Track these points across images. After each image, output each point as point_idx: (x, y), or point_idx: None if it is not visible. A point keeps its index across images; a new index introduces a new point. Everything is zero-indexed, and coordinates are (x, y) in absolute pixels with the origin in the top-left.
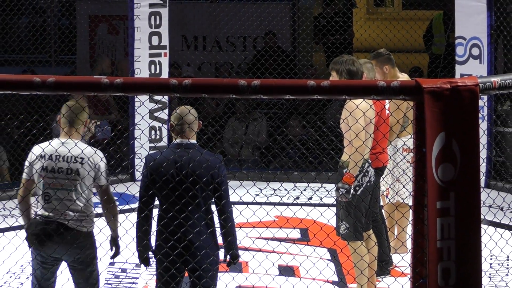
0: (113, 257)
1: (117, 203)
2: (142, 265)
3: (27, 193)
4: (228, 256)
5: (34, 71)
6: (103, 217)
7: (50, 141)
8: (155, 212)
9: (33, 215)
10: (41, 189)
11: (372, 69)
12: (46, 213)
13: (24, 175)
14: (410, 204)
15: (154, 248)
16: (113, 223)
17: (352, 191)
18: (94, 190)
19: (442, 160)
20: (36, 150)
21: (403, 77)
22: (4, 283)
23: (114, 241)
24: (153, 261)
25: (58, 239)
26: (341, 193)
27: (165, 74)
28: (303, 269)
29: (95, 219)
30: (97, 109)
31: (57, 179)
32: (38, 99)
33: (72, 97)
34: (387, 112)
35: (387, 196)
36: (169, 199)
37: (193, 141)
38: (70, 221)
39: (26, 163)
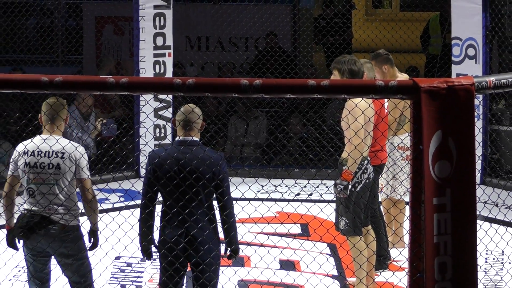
0: (91, 248)
1: (102, 197)
2: (147, 260)
3: (10, 189)
4: (229, 250)
5: (23, 70)
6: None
7: (32, 138)
8: (158, 208)
9: (21, 210)
10: (25, 185)
11: (372, 68)
12: (31, 207)
13: (9, 172)
14: (407, 200)
15: (157, 243)
16: (92, 217)
17: (351, 187)
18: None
19: (439, 157)
20: (19, 147)
21: (403, 76)
22: (13, 276)
23: (93, 233)
24: (156, 255)
25: (42, 232)
26: (339, 189)
27: (169, 74)
28: (303, 263)
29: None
30: (103, 108)
31: (39, 174)
32: (46, 98)
33: (53, 95)
34: (386, 110)
35: (381, 192)
36: (172, 195)
37: (196, 138)
38: (53, 215)
39: (11, 160)
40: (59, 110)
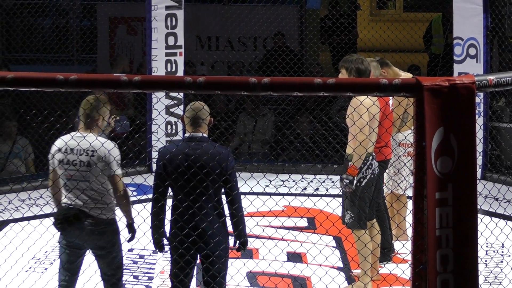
0: (129, 240)
1: (129, 192)
2: (159, 252)
3: (52, 183)
4: (238, 243)
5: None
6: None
7: (66, 135)
8: (169, 202)
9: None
10: (63, 180)
11: (377, 67)
12: (69, 202)
13: (50, 167)
14: (410, 194)
15: (168, 235)
16: (126, 211)
17: (357, 182)
18: None
19: (441, 153)
20: (57, 143)
21: (406, 75)
22: (30, 268)
23: (130, 226)
24: (168, 248)
25: (79, 226)
26: (345, 183)
27: (180, 72)
28: (310, 255)
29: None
30: (117, 105)
31: (73, 171)
32: (61, 96)
33: (93, 93)
34: (390, 108)
35: (385, 187)
36: (183, 189)
37: (205, 135)
38: (91, 210)
39: (49, 157)
40: (96, 108)
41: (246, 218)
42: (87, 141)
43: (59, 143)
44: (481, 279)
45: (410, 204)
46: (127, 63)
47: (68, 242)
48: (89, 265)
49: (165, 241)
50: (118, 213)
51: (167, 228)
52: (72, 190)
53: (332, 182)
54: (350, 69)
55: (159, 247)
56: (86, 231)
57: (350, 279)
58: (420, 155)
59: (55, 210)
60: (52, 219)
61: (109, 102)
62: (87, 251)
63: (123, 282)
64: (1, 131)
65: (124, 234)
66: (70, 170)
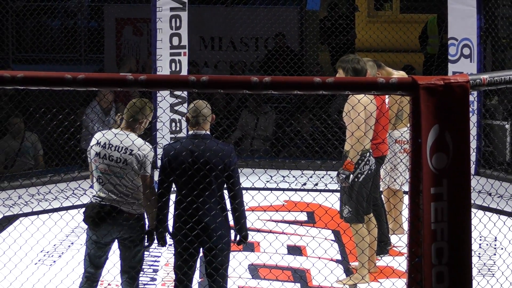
0: (146, 247)
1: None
2: (161, 246)
3: (91, 175)
4: (238, 236)
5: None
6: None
7: (107, 131)
8: (172, 197)
9: (92, 198)
10: (96, 173)
11: (374, 66)
12: (102, 194)
13: (88, 159)
14: (406, 190)
15: (172, 229)
16: (150, 215)
17: (355, 178)
18: None
19: (436, 150)
20: (96, 136)
21: (399, 74)
22: (39, 260)
23: (150, 233)
24: (171, 242)
25: (111, 221)
26: (341, 178)
27: (184, 72)
28: (309, 248)
29: None
30: (124, 103)
31: (109, 166)
32: (70, 94)
33: (137, 95)
34: (387, 106)
35: (381, 181)
36: (187, 185)
37: (208, 132)
38: (122, 205)
39: (88, 148)
40: (140, 110)
41: (247, 213)
42: (129, 139)
43: (98, 135)
44: (474, 271)
45: (406, 198)
46: (134, 63)
47: (98, 239)
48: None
49: (167, 236)
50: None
51: (170, 222)
52: (105, 184)
53: (331, 177)
54: (347, 68)
55: (162, 241)
56: (117, 226)
57: (348, 271)
58: (416, 151)
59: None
60: (65, 217)
61: (114, 100)
62: (113, 244)
63: (139, 279)
64: (10, 128)
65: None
66: (105, 164)
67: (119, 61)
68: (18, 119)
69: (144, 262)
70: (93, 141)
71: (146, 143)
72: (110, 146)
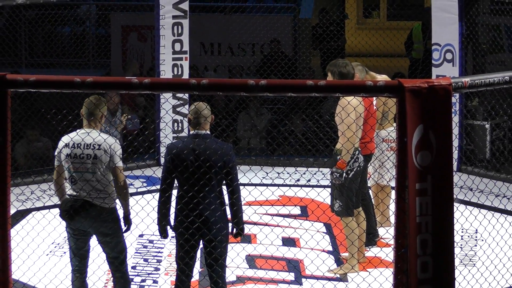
0: (125, 231)
1: (128, 183)
2: (163, 238)
3: (58, 176)
4: (235, 229)
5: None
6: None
7: (72, 132)
8: (174, 192)
9: (66, 195)
10: (68, 173)
11: (363, 70)
12: (74, 193)
13: (55, 163)
14: (393, 185)
15: (174, 223)
16: (123, 200)
17: (344, 174)
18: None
19: (421, 148)
20: (60, 142)
21: (381, 77)
22: (50, 252)
23: (126, 218)
24: (173, 234)
25: (84, 214)
26: (335, 176)
27: (185, 75)
28: (303, 240)
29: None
30: (129, 105)
31: (80, 164)
32: (79, 96)
33: (90, 94)
34: (375, 107)
35: (369, 178)
36: (188, 181)
37: (208, 132)
38: (94, 199)
39: (56, 152)
40: (97, 107)
41: (245, 207)
42: (91, 137)
43: (65, 139)
44: (457, 261)
45: (393, 194)
46: (137, 67)
47: (74, 230)
48: (92, 248)
49: (169, 228)
50: (118, 203)
51: (171, 216)
52: (78, 182)
53: (323, 174)
54: (334, 72)
55: (165, 233)
56: (90, 219)
57: (339, 261)
58: (402, 149)
59: (60, 202)
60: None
61: (120, 103)
62: (92, 236)
63: (127, 263)
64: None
65: (135, 222)
66: (76, 163)
67: (124, 65)
68: (36, 132)
69: (136, 255)
70: (61, 144)
71: (110, 136)
72: (79, 145)
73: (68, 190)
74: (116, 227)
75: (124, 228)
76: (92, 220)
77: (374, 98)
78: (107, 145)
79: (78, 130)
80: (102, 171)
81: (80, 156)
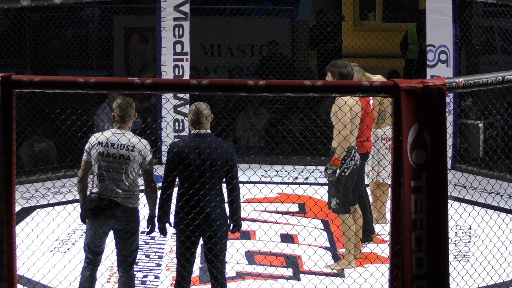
0: (148, 233)
1: (158, 185)
2: (162, 236)
3: (84, 174)
4: (233, 225)
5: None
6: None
7: (105, 131)
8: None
9: (88, 193)
10: (98, 171)
11: (360, 71)
12: (100, 191)
13: (84, 158)
14: (389, 183)
15: (176, 219)
16: (151, 203)
17: (341, 172)
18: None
19: (416, 146)
20: (93, 138)
21: (376, 78)
22: (54, 248)
23: (151, 220)
24: (175, 230)
25: (109, 213)
26: (328, 172)
27: (186, 76)
28: (301, 236)
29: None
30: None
31: (110, 163)
32: (82, 97)
33: (120, 95)
34: (371, 107)
35: (367, 176)
36: (190, 179)
37: (209, 131)
38: (119, 198)
39: (87, 147)
40: (131, 108)
41: (244, 204)
42: (126, 137)
43: (100, 137)
44: (451, 257)
45: (389, 191)
46: (155, 71)
47: (96, 230)
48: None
49: (168, 226)
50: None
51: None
52: (106, 180)
53: (320, 172)
54: (334, 72)
55: (163, 231)
56: (113, 217)
57: (336, 257)
58: (397, 148)
59: (83, 201)
60: (78, 208)
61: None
62: (108, 234)
63: (134, 267)
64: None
65: (143, 224)
66: (110, 162)
67: (142, 68)
68: (37, 144)
69: (139, 251)
70: (93, 140)
71: (143, 139)
72: (113, 145)
73: (93, 188)
74: (136, 226)
75: (147, 230)
76: (115, 219)
77: (371, 98)
78: (142, 145)
79: (112, 130)
80: (135, 172)
81: (113, 156)
